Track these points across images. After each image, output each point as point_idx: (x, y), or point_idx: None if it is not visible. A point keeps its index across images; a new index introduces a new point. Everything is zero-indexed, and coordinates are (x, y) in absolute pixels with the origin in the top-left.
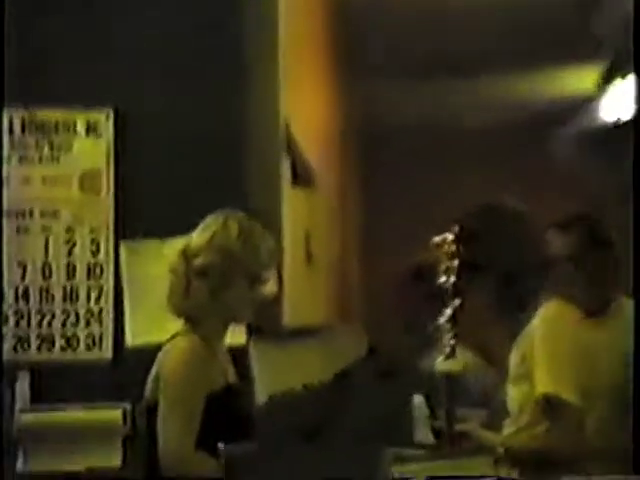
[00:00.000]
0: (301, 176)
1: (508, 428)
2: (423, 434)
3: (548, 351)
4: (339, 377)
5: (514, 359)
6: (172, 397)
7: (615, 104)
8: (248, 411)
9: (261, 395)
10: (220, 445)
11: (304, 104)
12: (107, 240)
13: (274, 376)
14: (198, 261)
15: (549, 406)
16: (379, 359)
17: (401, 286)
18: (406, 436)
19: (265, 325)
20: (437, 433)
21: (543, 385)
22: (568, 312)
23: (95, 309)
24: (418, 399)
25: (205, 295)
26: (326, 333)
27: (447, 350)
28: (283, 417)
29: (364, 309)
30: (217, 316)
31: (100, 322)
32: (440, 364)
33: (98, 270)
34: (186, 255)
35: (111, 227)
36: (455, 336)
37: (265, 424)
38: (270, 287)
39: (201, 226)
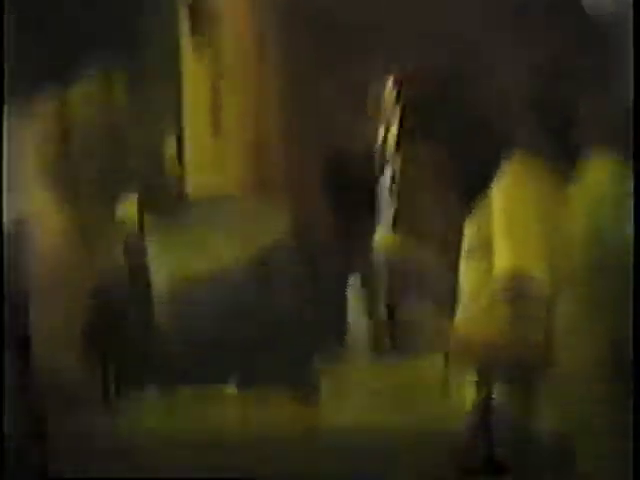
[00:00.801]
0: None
1: (460, 315)
2: (358, 328)
3: (510, 216)
4: (255, 261)
5: (468, 230)
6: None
7: None
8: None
9: (158, 280)
10: None
11: None
12: None
13: (175, 258)
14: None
15: (511, 284)
16: (304, 239)
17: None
18: (338, 332)
19: (162, 196)
20: (376, 323)
21: (504, 258)
22: (532, 168)
23: None
24: (353, 280)
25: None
26: (239, 207)
27: (387, 222)
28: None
29: (287, 184)
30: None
31: None
32: (379, 240)
33: None
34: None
35: None
36: (396, 209)
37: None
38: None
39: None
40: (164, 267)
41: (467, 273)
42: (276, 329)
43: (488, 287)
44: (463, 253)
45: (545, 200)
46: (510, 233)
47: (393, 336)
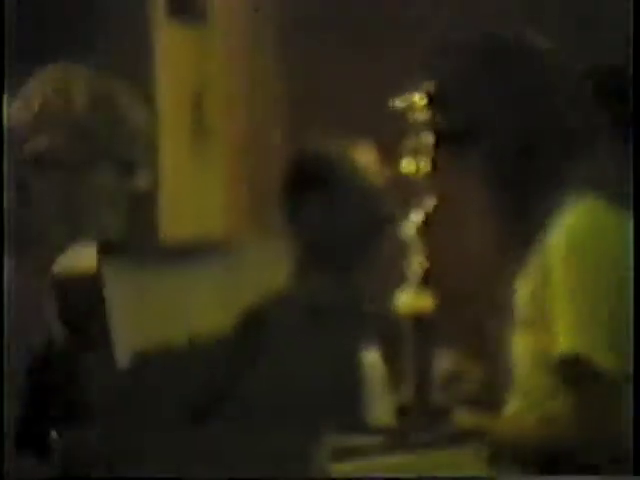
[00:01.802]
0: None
1: (511, 403)
2: (379, 411)
3: (576, 284)
4: (246, 322)
5: (520, 294)
6: None
7: None
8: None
9: (120, 354)
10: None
11: None
12: None
13: (141, 323)
14: (27, 146)
15: (572, 372)
16: (310, 293)
17: None
18: (352, 414)
19: (128, 240)
20: (401, 410)
21: (566, 339)
22: (610, 218)
23: None
24: (370, 356)
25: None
26: (226, 252)
27: (415, 278)
28: (155, 387)
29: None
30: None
31: None
32: (405, 300)
33: None
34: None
35: None
36: (427, 257)
37: (124, 398)
38: (141, 181)
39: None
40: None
41: (521, 350)
42: (268, 413)
43: (541, 369)
44: (515, 324)
45: (624, 258)
46: (578, 304)
47: (422, 425)
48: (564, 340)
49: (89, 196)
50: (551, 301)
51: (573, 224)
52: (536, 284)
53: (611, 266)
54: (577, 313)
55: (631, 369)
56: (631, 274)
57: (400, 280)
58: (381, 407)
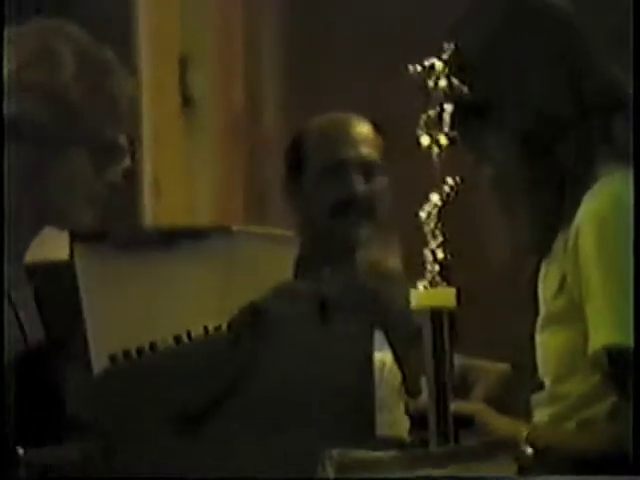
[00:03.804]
0: None
1: (542, 409)
2: (391, 420)
3: (612, 269)
4: (243, 319)
5: (547, 285)
6: None
7: None
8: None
9: (96, 357)
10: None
11: None
12: None
13: (121, 320)
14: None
15: (613, 368)
16: (316, 286)
17: None
18: (362, 424)
19: (105, 226)
20: (416, 418)
21: (604, 332)
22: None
23: None
24: (382, 355)
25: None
26: (220, 240)
27: (433, 270)
28: (136, 394)
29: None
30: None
31: None
32: (422, 295)
33: None
34: None
35: None
36: (444, 242)
37: (102, 405)
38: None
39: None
40: (106, 338)
41: (546, 345)
42: (267, 421)
43: (584, 372)
44: (540, 320)
45: None
46: (614, 292)
47: (443, 433)
48: (602, 333)
49: (60, 181)
50: (583, 291)
51: (610, 200)
52: (565, 270)
53: None
54: (614, 302)
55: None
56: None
57: (417, 271)
58: (395, 415)
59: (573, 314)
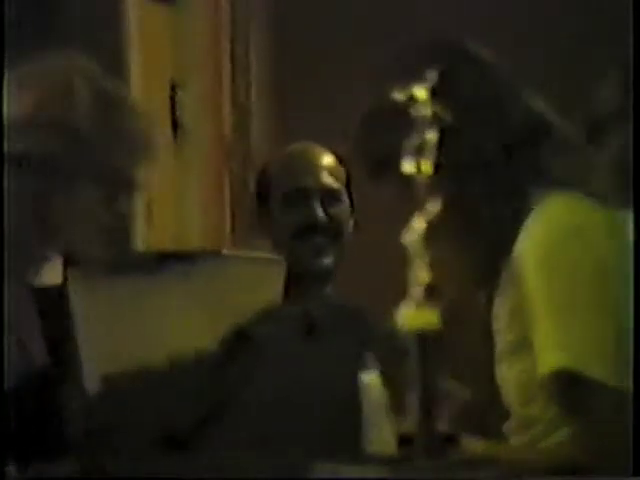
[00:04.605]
0: None
1: (515, 436)
2: (378, 438)
3: (554, 294)
4: (233, 340)
5: (499, 318)
6: None
7: None
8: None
9: (89, 378)
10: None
11: None
12: None
13: (113, 341)
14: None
15: (562, 391)
16: (304, 308)
17: None
18: (349, 442)
19: (97, 249)
20: (404, 437)
21: (551, 355)
22: (586, 215)
23: None
24: (369, 376)
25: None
26: (210, 263)
27: (419, 292)
28: (127, 414)
29: None
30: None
31: None
32: (409, 315)
33: None
34: None
35: None
36: (431, 268)
37: (95, 427)
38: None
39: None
40: (99, 359)
41: (512, 381)
42: (255, 440)
43: (543, 399)
44: (496, 353)
45: (601, 260)
46: (558, 311)
47: (431, 452)
48: (550, 357)
49: (65, 214)
50: (530, 317)
51: (544, 225)
52: (513, 301)
53: (592, 268)
54: (559, 325)
55: (631, 369)
56: (631, 279)
57: (402, 293)
58: (383, 433)
59: (525, 344)
